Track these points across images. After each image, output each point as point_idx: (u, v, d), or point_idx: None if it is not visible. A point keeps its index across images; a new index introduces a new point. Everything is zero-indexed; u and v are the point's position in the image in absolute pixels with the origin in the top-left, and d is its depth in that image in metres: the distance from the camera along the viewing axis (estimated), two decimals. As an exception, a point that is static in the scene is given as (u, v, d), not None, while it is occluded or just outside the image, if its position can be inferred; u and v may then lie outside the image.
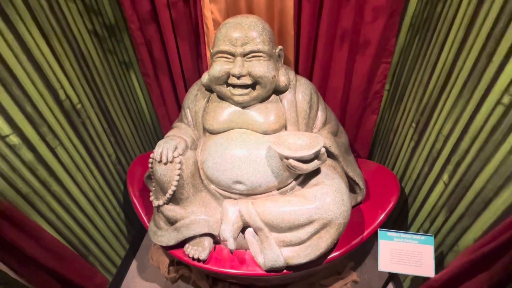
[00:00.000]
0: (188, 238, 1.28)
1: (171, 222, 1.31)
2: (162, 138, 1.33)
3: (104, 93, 1.61)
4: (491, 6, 0.97)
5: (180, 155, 1.22)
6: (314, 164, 1.16)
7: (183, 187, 1.24)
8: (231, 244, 1.20)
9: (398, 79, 1.64)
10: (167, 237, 1.30)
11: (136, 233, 1.96)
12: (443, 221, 1.23)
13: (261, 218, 1.19)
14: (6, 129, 1.05)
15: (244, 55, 1.20)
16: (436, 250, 1.25)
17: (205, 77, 1.36)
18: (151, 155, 1.25)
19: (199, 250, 1.26)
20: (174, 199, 1.26)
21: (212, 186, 1.34)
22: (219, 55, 1.23)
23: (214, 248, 1.32)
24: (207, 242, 1.28)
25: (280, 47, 1.31)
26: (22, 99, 1.12)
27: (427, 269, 1.18)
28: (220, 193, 1.33)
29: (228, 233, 1.20)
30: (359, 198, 1.47)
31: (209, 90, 1.41)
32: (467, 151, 1.09)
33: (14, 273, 1.06)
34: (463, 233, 1.11)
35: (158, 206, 1.29)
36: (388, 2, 1.36)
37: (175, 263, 1.64)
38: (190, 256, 1.26)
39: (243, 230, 1.28)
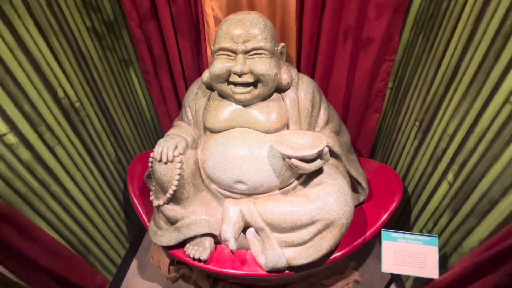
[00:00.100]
0: (188, 238, 1.27)
1: (172, 222, 1.29)
2: (162, 136, 1.31)
3: (103, 91, 1.59)
4: (500, 1, 0.94)
5: (180, 154, 1.20)
6: (317, 163, 1.15)
7: (184, 186, 1.22)
8: (232, 245, 1.18)
9: (401, 77, 1.62)
10: (168, 237, 1.29)
11: (136, 233, 1.94)
12: (447, 222, 1.22)
13: (262, 218, 1.18)
14: (3, 127, 1.04)
15: (246, 52, 1.18)
16: (439, 250, 1.23)
17: (205, 75, 1.34)
18: (151, 154, 1.23)
19: (200, 251, 1.24)
20: (175, 199, 1.25)
21: (213, 186, 1.33)
22: (220, 52, 1.21)
23: (215, 248, 1.31)
24: (208, 242, 1.27)
25: (282, 44, 1.29)
26: (20, 97, 1.10)
27: (431, 271, 1.17)
28: (221, 193, 1.32)
29: (229, 233, 1.19)
30: (362, 198, 1.45)
31: (210, 88, 1.39)
32: (473, 151, 1.07)
33: (13, 275, 1.04)
34: (468, 234, 1.09)
35: (158, 206, 1.28)
36: (392, -2, 1.33)
37: (176, 262, 1.63)
38: (191, 256, 1.25)
39: (244, 230, 1.27)
